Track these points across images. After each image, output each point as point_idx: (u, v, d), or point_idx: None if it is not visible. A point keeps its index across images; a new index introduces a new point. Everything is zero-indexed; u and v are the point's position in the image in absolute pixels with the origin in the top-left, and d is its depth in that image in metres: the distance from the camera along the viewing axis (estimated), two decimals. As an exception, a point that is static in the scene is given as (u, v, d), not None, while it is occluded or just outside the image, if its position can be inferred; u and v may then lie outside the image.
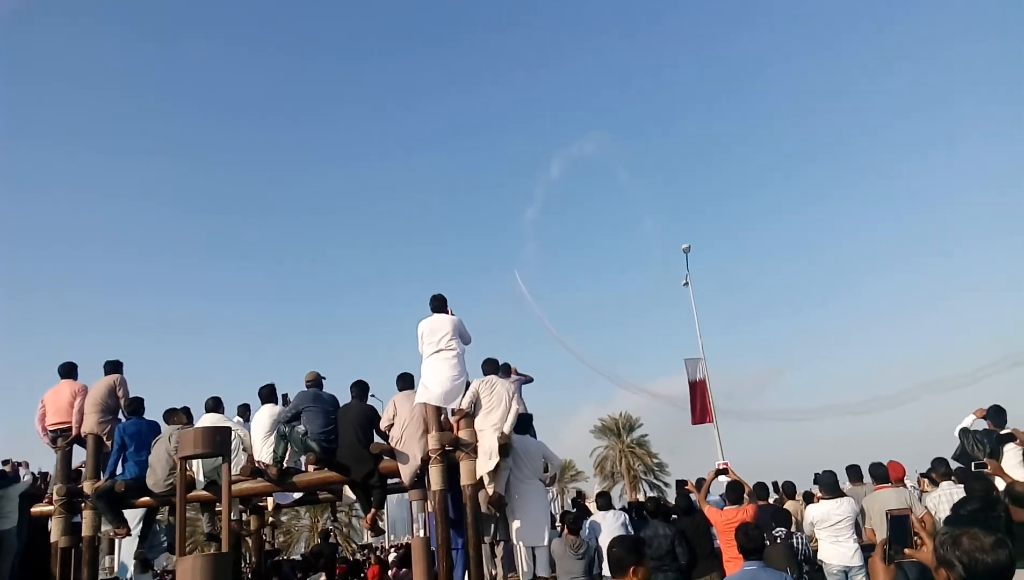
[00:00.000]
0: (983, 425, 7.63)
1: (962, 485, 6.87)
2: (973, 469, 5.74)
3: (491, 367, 8.20)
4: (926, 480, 9.45)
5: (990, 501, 3.67)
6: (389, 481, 8.50)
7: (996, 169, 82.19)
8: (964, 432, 7.57)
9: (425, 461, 7.61)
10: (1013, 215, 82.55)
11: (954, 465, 7.85)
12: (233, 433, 8.59)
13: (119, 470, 8.50)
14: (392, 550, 24.47)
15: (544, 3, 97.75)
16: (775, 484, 11.16)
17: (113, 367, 9.06)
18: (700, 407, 23.45)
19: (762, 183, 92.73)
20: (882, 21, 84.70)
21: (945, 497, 7.16)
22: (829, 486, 7.39)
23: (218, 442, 5.69)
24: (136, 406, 8.79)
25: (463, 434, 7.56)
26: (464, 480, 7.48)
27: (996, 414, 7.51)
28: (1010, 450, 7.26)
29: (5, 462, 9.67)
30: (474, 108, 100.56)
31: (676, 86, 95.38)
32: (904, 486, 8.40)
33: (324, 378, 8.45)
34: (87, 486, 8.58)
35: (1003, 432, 7.22)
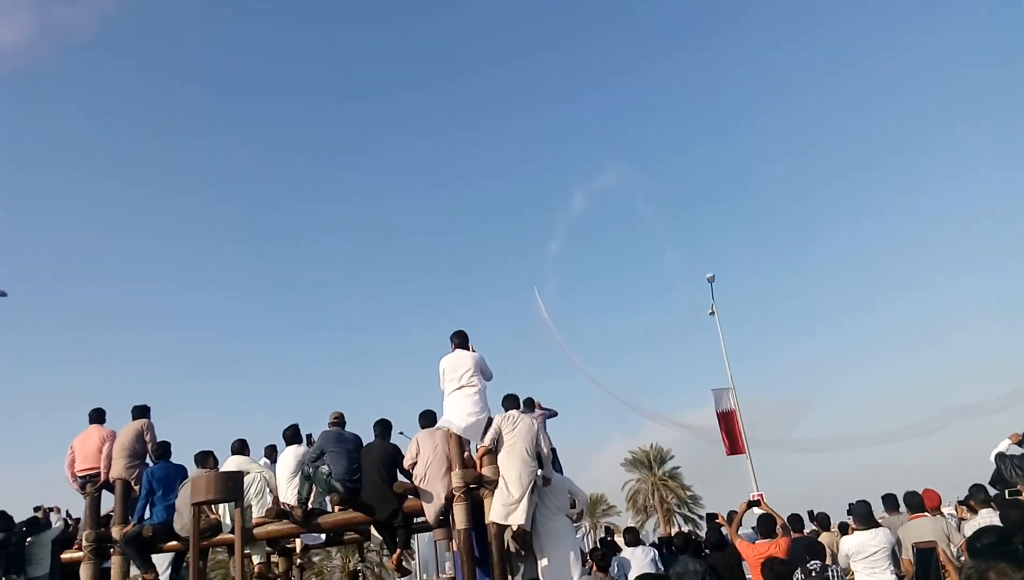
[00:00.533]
0: (1019, 450, 7.42)
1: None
2: (1008, 495, 5.57)
3: (512, 402, 8.18)
4: (964, 508, 9.17)
5: (1007, 532, 3.54)
6: (415, 520, 8.46)
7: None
8: (1001, 457, 7.37)
9: (449, 499, 7.57)
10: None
11: (991, 491, 7.62)
12: (259, 475, 8.63)
13: (147, 515, 8.55)
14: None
15: (563, 36, 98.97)
16: (811, 513, 10.91)
17: (141, 412, 9.16)
18: (731, 438, 23.15)
19: (785, 209, 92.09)
20: (904, 43, 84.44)
21: (984, 523, 6.94)
22: (863, 516, 7.20)
23: (230, 487, 5.72)
24: (163, 450, 8.87)
25: (486, 471, 7.52)
26: (488, 518, 7.42)
27: (1033, 438, 7.32)
28: None
29: (37, 508, 9.76)
30: (494, 141, 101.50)
31: (696, 116, 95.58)
32: (941, 514, 8.17)
33: (343, 418, 8.48)
34: (116, 531, 8.62)
35: None
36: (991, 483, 7.66)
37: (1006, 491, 6.01)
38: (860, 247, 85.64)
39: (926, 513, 7.69)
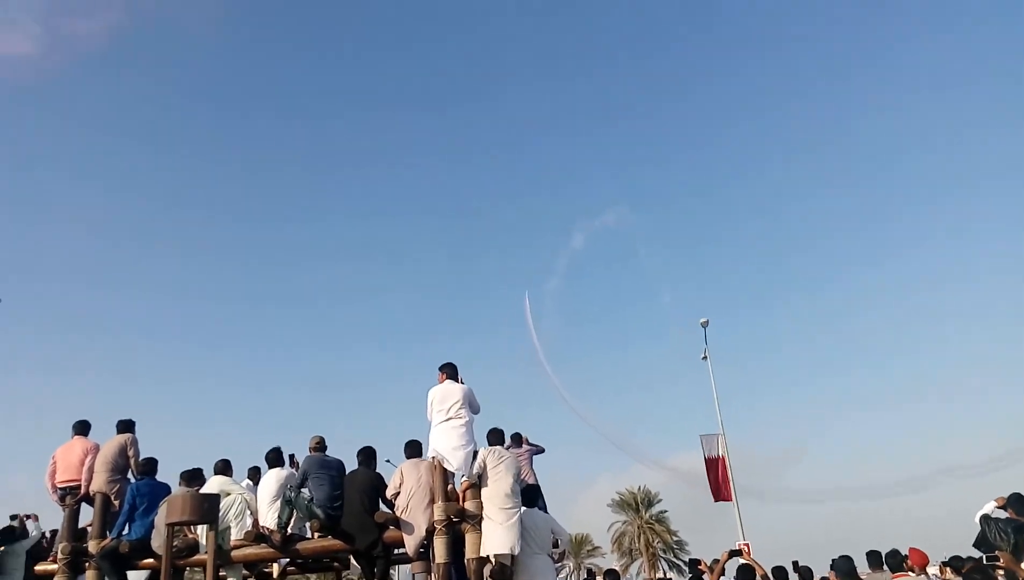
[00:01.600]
0: (1003, 514, 7.40)
1: None
2: (986, 560, 5.54)
3: (497, 438, 8.18)
4: (948, 568, 9.14)
5: None
6: (395, 551, 8.39)
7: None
8: (986, 519, 7.34)
9: (430, 532, 7.51)
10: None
11: (975, 553, 7.59)
12: (240, 497, 8.56)
13: (126, 531, 8.47)
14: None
15: (568, 75, 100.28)
16: (795, 564, 10.82)
17: (125, 426, 9.12)
18: (719, 484, 23.02)
19: (781, 257, 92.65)
20: (913, 97, 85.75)
21: None
22: (845, 572, 7.15)
23: (206, 509, 5.69)
24: (150, 467, 8.81)
25: (469, 505, 7.48)
26: (469, 553, 7.36)
27: (1017, 502, 7.28)
28: None
29: (13, 517, 9.65)
30: (495, 171, 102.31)
31: (699, 161, 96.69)
32: (925, 575, 8.12)
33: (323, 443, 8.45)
34: (92, 545, 8.55)
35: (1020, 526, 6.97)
36: (975, 545, 7.62)
37: (984, 556, 5.97)
38: (859, 299, 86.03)
39: (909, 573, 7.64)
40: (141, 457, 8.94)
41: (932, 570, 9.24)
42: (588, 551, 53.54)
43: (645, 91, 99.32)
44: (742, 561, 8.39)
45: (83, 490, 8.77)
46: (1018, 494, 7.35)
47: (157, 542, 8.21)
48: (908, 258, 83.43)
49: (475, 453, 7.69)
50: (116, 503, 8.73)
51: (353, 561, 9.52)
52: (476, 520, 7.39)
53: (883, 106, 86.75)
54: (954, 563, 9.19)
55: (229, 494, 8.53)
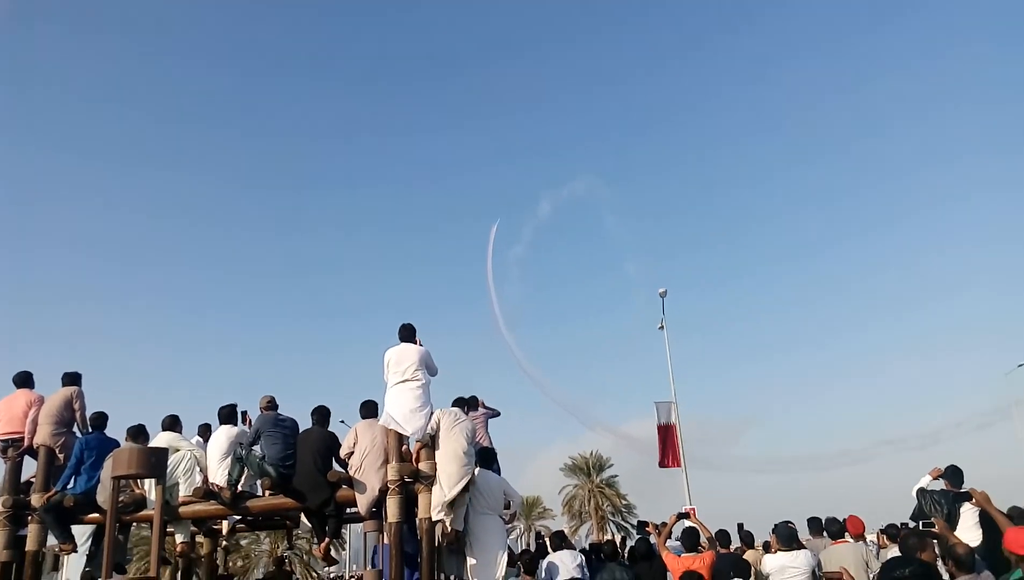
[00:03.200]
0: (940, 485, 7.67)
1: None
2: (921, 527, 5.75)
3: (458, 404, 8.22)
4: (884, 535, 9.48)
5: (901, 562, 3.68)
6: (347, 510, 8.38)
7: (974, 234, 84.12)
8: (921, 492, 7.60)
9: (383, 492, 7.52)
10: (987, 274, 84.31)
11: (911, 525, 7.87)
12: (189, 453, 8.44)
13: (71, 484, 8.30)
14: (351, 580, 24.01)
15: (545, 47, 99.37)
16: (740, 527, 11.10)
17: (71, 379, 8.88)
18: (669, 451, 23.48)
19: (745, 233, 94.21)
20: (876, 80, 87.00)
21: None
22: (785, 537, 7.36)
23: (153, 464, 5.58)
24: (100, 420, 8.62)
25: (423, 466, 7.49)
26: (421, 513, 7.39)
27: (953, 475, 7.55)
28: (967, 511, 7.28)
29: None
30: (460, 141, 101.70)
31: (669, 134, 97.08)
32: (864, 541, 8.41)
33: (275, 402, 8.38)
34: (35, 499, 8.34)
35: (959, 491, 7.24)
36: (912, 518, 7.90)
37: (920, 524, 6.22)
38: (812, 278, 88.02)
39: (848, 539, 7.90)
40: (89, 411, 8.74)
41: (870, 537, 9.56)
42: (539, 513, 54.38)
43: (620, 62, 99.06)
44: (688, 523, 8.56)
45: (26, 442, 8.53)
46: (954, 466, 7.62)
47: (102, 497, 8.06)
48: (864, 240, 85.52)
49: (431, 415, 7.68)
50: (60, 456, 8.54)
51: (304, 520, 9.50)
52: (430, 481, 7.40)
53: (848, 86, 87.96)
54: (890, 531, 9.53)
55: (178, 450, 8.41)
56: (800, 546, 7.54)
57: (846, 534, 8.21)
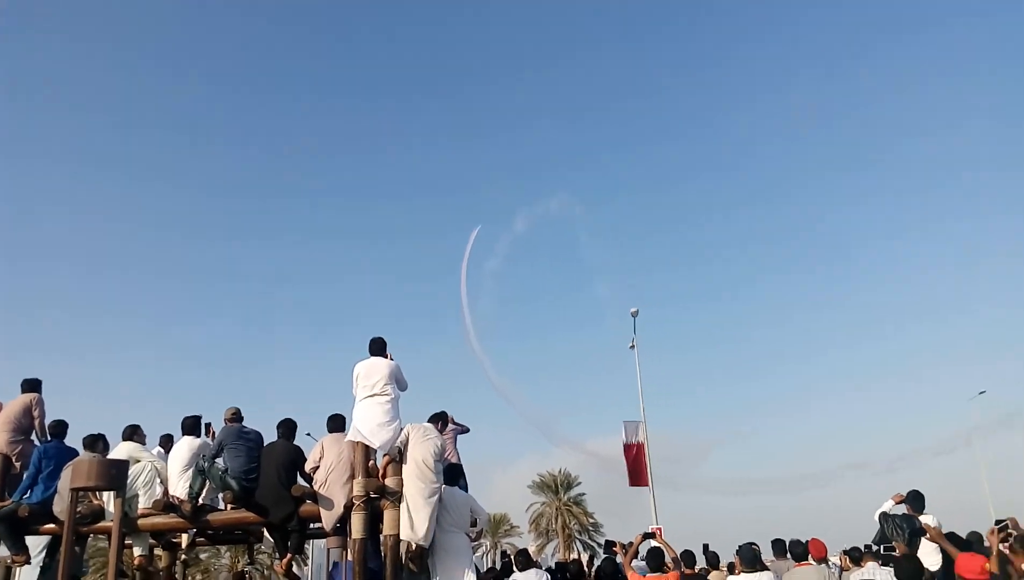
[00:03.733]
0: (902, 509, 7.77)
1: (885, 568, 6.96)
2: (883, 551, 5.82)
3: (432, 419, 8.19)
4: (847, 558, 9.55)
5: None
6: (311, 525, 8.26)
7: (939, 261, 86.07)
8: (884, 516, 7.68)
9: (348, 507, 7.43)
10: (951, 301, 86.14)
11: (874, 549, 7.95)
12: (149, 464, 8.28)
13: (27, 494, 8.09)
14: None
15: (525, 67, 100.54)
16: (705, 547, 11.14)
17: (31, 386, 8.70)
18: (637, 470, 23.53)
19: (717, 256, 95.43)
20: (858, 110, 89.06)
21: (868, 576, 7.23)
22: (749, 559, 7.41)
23: (113, 475, 5.48)
24: (60, 429, 8.45)
25: (390, 481, 7.42)
26: (386, 530, 7.32)
27: (915, 499, 7.66)
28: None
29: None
30: (436, 160, 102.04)
31: (646, 155, 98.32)
32: (826, 563, 8.47)
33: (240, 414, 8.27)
34: (-11, 508, 8.13)
35: (915, 527, 7.31)
36: (875, 542, 7.98)
37: (882, 548, 6.31)
38: (781, 302, 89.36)
39: (811, 561, 7.95)
40: (48, 419, 8.55)
41: (833, 559, 9.64)
42: (505, 530, 54.11)
43: (602, 85, 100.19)
44: (654, 543, 8.57)
45: (-19, 450, 8.33)
46: (915, 491, 7.74)
47: (59, 507, 7.86)
48: (831, 267, 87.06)
49: (400, 430, 7.62)
50: (17, 465, 8.35)
51: (267, 534, 9.36)
52: (396, 497, 7.33)
53: (828, 109, 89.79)
54: (852, 553, 9.62)
55: (139, 461, 8.24)
56: (763, 568, 7.61)
57: (809, 557, 8.28)
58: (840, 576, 8.78)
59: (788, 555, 8.57)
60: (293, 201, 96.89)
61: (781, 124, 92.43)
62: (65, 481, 7.87)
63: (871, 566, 7.53)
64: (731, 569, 10.45)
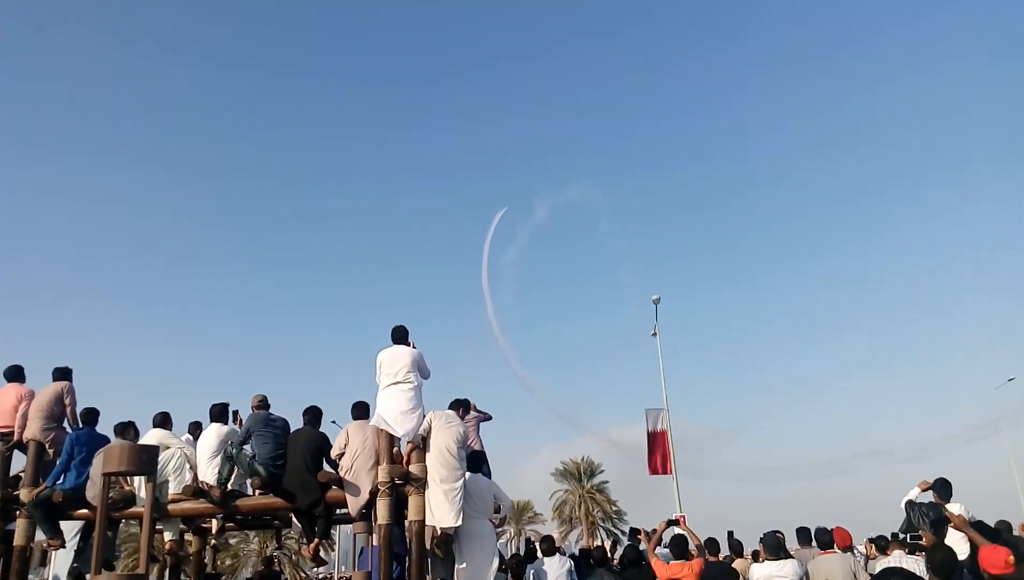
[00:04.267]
0: (929, 497, 7.68)
1: (912, 556, 6.90)
2: (910, 539, 5.77)
3: (454, 406, 8.22)
4: (873, 546, 9.48)
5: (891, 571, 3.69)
6: (337, 511, 8.37)
7: (968, 246, 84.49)
8: (910, 504, 7.61)
9: (374, 493, 7.51)
10: (981, 287, 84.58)
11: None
12: (179, 450, 8.42)
13: (61, 480, 8.27)
14: (339, 581, 23.98)
15: (548, 50, 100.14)
16: (730, 535, 11.11)
17: (62, 374, 8.86)
18: (660, 458, 23.45)
19: (739, 242, 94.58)
20: (872, 93, 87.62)
21: (895, 563, 7.17)
22: (772, 547, 7.38)
23: (144, 461, 5.58)
24: (91, 416, 8.60)
25: (414, 468, 7.49)
26: (411, 516, 7.38)
27: (942, 487, 7.57)
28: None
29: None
30: (461, 142, 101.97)
31: (665, 143, 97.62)
32: (852, 552, 8.42)
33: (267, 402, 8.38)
34: (24, 493, 8.31)
35: (940, 517, 7.23)
36: (901, 530, 7.90)
37: (909, 537, 6.25)
38: (805, 288, 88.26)
39: (836, 550, 7.90)
40: (80, 407, 8.72)
41: (859, 547, 9.57)
42: (529, 518, 54.32)
43: (621, 71, 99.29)
44: (677, 531, 8.57)
45: (16, 437, 8.51)
46: (942, 479, 7.64)
47: (92, 493, 8.03)
48: (860, 249, 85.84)
49: (423, 417, 7.67)
50: (50, 451, 8.52)
51: (294, 520, 9.49)
52: (420, 483, 7.40)
53: (851, 92, 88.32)
54: (879, 542, 9.54)
55: (168, 447, 8.38)
56: (788, 556, 7.56)
57: (834, 545, 8.23)
58: (866, 565, 8.71)
59: (813, 543, 8.53)
60: (304, 189, 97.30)
61: (809, 101, 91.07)
62: (97, 467, 8.04)
63: (897, 554, 7.47)
64: (755, 557, 10.42)
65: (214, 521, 10.43)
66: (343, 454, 7.81)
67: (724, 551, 9.88)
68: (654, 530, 9.00)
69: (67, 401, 8.68)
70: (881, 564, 7.63)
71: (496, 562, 7.66)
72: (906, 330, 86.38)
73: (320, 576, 31.20)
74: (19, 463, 8.85)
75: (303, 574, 35.59)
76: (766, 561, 7.45)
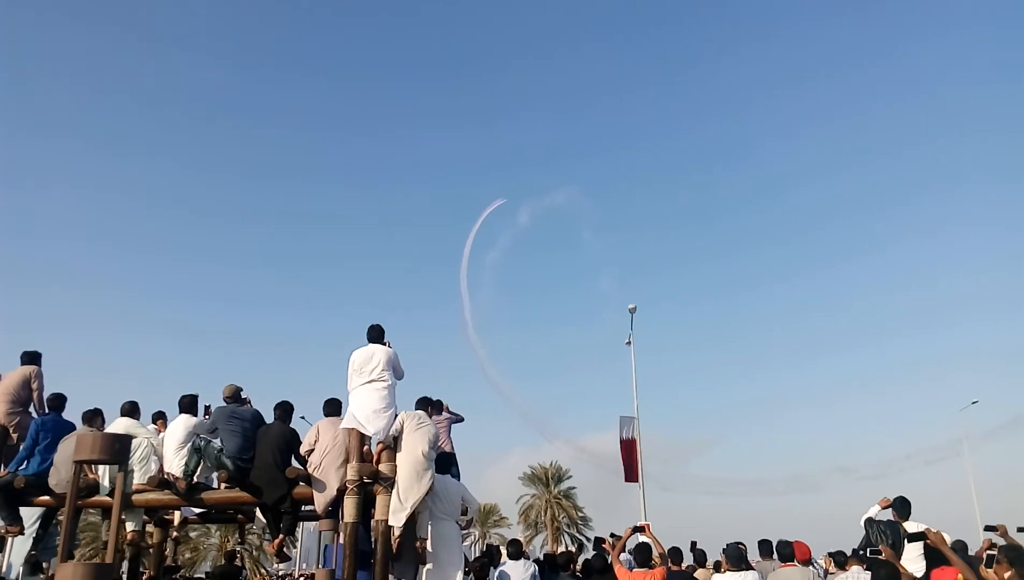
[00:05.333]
0: (888, 515, 7.82)
1: (868, 572, 7.03)
2: (869, 554, 5.88)
3: (423, 404, 8.22)
4: (831, 560, 9.64)
5: None
6: (303, 508, 8.33)
7: (940, 269, 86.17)
8: (869, 522, 7.74)
9: (341, 491, 7.49)
10: (949, 310, 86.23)
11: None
12: (146, 440, 8.34)
13: (24, 465, 8.15)
14: (301, 579, 23.77)
15: (545, 56, 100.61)
16: (693, 544, 11.21)
17: (31, 358, 8.74)
18: (630, 466, 23.55)
19: (718, 257, 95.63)
20: (864, 110, 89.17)
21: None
22: (734, 558, 7.49)
23: (116, 449, 5.56)
24: (59, 402, 8.48)
25: (383, 467, 7.49)
26: (378, 515, 7.39)
27: (901, 505, 7.70)
28: (913, 542, 7.44)
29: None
30: (439, 148, 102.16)
31: (653, 151, 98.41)
32: (813, 566, 8.56)
33: (243, 391, 8.35)
34: (-16, 479, 8.18)
35: (914, 531, 7.36)
36: (860, 547, 8.04)
37: (868, 552, 6.38)
38: (779, 305, 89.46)
39: (795, 563, 8.03)
40: (48, 392, 8.60)
41: (819, 561, 9.73)
42: (495, 521, 54.34)
43: (612, 78, 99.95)
44: (642, 538, 8.64)
45: (-21, 420, 8.38)
46: (902, 497, 7.78)
47: (55, 479, 7.93)
48: (833, 271, 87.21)
49: (395, 417, 7.68)
50: (14, 436, 8.40)
51: (258, 515, 9.42)
52: (389, 483, 7.40)
53: (841, 107, 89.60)
54: (837, 557, 9.70)
55: (135, 437, 8.29)
56: (748, 567, 7.68)
57: (794, 558, 8.36)
58: (825, 578, 8.86)
59: (775, 555, 8.65)
60: (297, 182, 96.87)
61: (791, 121, 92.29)
62: (62, 454, 7.93)
63: (855, 570, 7.61)
64: (717, 567, 10.53)
65: (177, 513, 10.33)
66: (312, 450, 7.79)
67: (687, 561, 9.97)
68: (618, 537, 9.05)
69: (34, 386, 8.57)
70: (840, 578, 7.78)
71: (461, 564, 7.69)
72: (876, 351, 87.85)
73: (281, 573, 30.91)
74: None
75: (264, 570, 35.25)
76: (728, 572, 7.56)
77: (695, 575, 9.35)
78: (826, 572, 9.57)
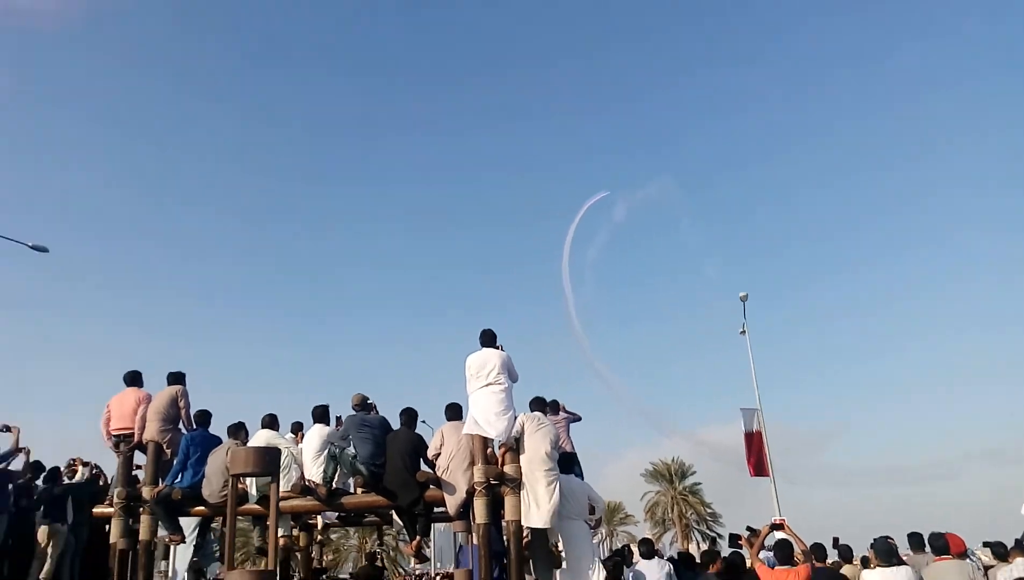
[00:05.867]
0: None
1: None
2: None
3: (539, 405, 8.25)
4: (988, 551, 8.97)
5: None
6: (435, 510, 8.54)
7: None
8: (1036, 510, 7.17)
9: (470, 493, 7.63)
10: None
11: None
12: (287, 450, 8.78)
13: (178, 478, 8.76)
14: (438, 579, 24.43)
15: (620, 46, 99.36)
16: (835, 541, 10.72)
17: (176, 378, 9.38)
18: (756, 459, 22.72)
19: (826, 237, 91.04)
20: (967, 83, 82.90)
21: (1018, 573, 6.79)
22: (884, 553, 7.06)
23: (268, 462, 5.93)
24: (205, 418, 9.12)
25: (508, 469, 7.57)
26: (508, 515, 7.47)
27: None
28: None
29: (72, 461, 10.00)
30: (540, 141, 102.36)
31: (746, 134, 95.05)
32: (969, 559, 7.98)
33: (369, 398, 8.64)
34: (146, 491, 8.84)
35: None
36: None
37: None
38: (897, 281, 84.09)
39: (951, 556, 7.52)
40: (193, 409, 9.22)
41: (977, 552, 9.08)
42: (621, 519, 53.96)
43: (699, 61, 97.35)
44: (780, 535, 8.31)
45: (136, 438, 9.05)
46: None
47: (207, 490, 8.50)
48: (954, 241, 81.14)
49: (515, 418, 7.74)
50: (168, 452, 9.02)
51: (395, 517, 9.74)
52: (515, 484, 7.47)
53: (943, 85, 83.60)
54: (997, 548, 9.03)
55: (276, 447, 8.76)
56: (900, 562, 7.23)
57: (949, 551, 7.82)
58: (985, 572, 8.24)
59: (927, 549, 8.12)
60: (387, 186, 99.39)
61: (894, 89, 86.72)
62: (212, 466, 8.50)
63: (1020, 561, 7.06)
64: (865, 563, 10.01)
65: (319, 517, 10.84)
66: (439, 454, 7.97)
67: (831, 557, 9.53)
68: (754, 532, 8.77)
69: (181, 404, 9.18)
70: (1004, 573, 7.22)
71: (597, 562, 7.63)
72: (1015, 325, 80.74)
73: (418, 572, 31.85)
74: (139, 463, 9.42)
75: (401, 570, 36.44)
76: (877, 567, 7.14)
77: (841, 571, 8.92)
78: (985, 566, 8.91)
